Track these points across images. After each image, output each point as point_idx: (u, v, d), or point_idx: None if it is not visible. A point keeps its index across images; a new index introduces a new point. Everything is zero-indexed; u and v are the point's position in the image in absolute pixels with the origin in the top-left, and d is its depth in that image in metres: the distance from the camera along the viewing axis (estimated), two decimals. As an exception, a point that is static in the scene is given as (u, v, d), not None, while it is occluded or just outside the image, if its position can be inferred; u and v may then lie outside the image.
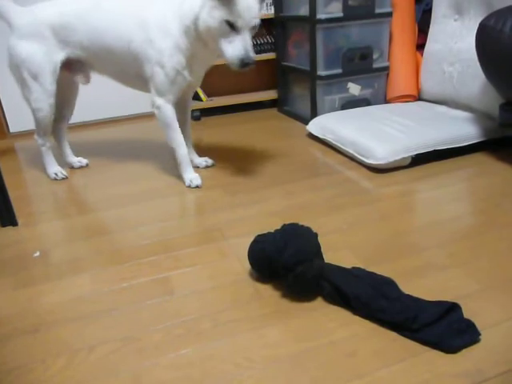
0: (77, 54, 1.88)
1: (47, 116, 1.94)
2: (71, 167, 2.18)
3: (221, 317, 1.10)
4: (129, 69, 1.83)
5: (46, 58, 1.85)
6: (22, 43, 1.84)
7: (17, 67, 1.86)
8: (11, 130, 2.84)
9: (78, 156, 2.22)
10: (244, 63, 1.54)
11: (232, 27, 1.53)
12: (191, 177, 1.86)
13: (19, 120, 2.77)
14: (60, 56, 1.87)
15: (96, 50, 1.84)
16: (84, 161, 2.20)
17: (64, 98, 2.07)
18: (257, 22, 1.57)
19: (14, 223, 1.64)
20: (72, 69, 1.96)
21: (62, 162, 2.17)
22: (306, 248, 1.15)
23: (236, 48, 1.54)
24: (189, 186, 1.85)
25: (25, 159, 2.42)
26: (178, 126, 1.84)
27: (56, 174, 2.05)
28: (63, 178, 2.05)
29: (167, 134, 1.85)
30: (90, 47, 1.84)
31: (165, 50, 1.69)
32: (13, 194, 1.64)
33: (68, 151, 2.19)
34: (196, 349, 1.01)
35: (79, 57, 1.89)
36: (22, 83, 1.89)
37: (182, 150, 1.86)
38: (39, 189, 1.99)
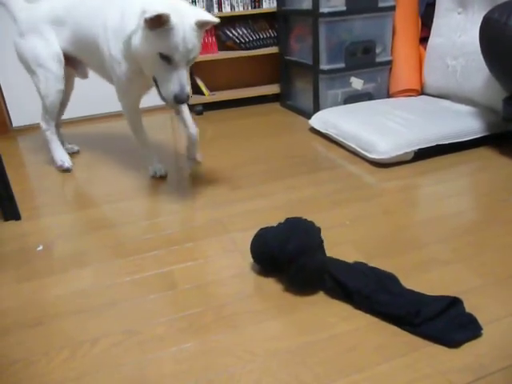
0: (67, 48, 1.90)
1: (55, 101, 1.97)
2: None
3: (223, 310, 1.11)
4: (102, 65, 1.78)
5: (47, 49, 1.89)
6: (24, 39, 1.91)
7: (24, 61, 1.94)
8: (14, 125, 2.84)
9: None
10: (178, 99, 1.43)
11: (167, 60, 1.40)
12: (156, 168, 1.91)
13: (22, 114, 2.77)
14: (59, 48, 1.91)
15: (77, 44, 1.85)
16: (75, 147, 2.30)
17: (67, 92, 2.10)
18: (195, 54, 1.44)
19: (17, 217, 1.64)
20: (69, 63, 1.98)
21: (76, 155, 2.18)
22: (310, 241, 1.15)
23: (170, 84, 1.42)
24: (153, 176, 1.91)
25: (27, 153, 2.42)
26: (140, 126, 1.85)
27: (62, 162, 2.06)
28: (68, 169, 2.06)
29: (131, 131, 1.87)
30: (73, 40, 1.85)
31: (115, 56, 1.63)
32: (16, 188, 1.64)
33: (61, 139, 2.21)
34: (198, 342, 1.01)
35: (70, 51, 1.91)
36: (32, 73, 1.95)
37: (144, 140, 1.89)
38: (42, 183, 2.00)
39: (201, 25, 1.42)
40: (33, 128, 2.71)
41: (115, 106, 2.65)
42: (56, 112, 2.03)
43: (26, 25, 1.90)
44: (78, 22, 1.79)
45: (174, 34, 1.36)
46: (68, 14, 1.83)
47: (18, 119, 2.83)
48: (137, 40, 1.45)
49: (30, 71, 1.94)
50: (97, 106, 2.94)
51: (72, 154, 2.23)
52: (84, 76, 2.07)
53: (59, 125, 2.20)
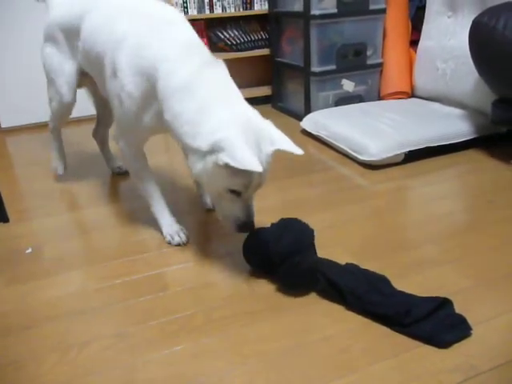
0: (81, 63, 1.59)
1: (57, 126, 1.85)
2: (112, 172, 2.03)
3: (214, 313, 1.10)
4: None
5: (60, 67, 1.66)
6: (44, 43, 1.70)
7: (43, 65, 1.73)
8: (3, 126, 2.81)
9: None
10: (243, 229, 1.18)
11: (235, 193, 1.13)
12: (171, 232, 1.43)
13: (11, 115, 2.74)
14: (74, 66, 1.64)
15: (86, 61, 1.53)
16: (123, 168, 1.98)
17: (103, 104, 1.87)
18: (267, 179, 1.18)
19: (5, 220, 1.63)
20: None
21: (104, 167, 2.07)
22: (303, 238, 1.16)
23: (236, 214, 1.16)
24: (169, 243, 1.42)
25: (17, 155, 2.40)
26: (147, 173, 1.44)
27: (56, 170, 1.94)
28: (59, 175, 1.95)
29: (135, 183, 1.47)
30: (84, 57, 1.52)
31: (130, 91, 1.25)
32: (4, 190, 1.62)
33: (109, 156, 2.03)
34: (189, 345, 1.01)
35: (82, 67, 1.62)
36: (47, 80, 1.75)
37: (157, 203, 1.45)
38: (31, 185, 1.98)
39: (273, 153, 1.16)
40: (22, 129, 2.69)
41: None
42: (59, 131, 1.88)
43: (46, 29, 1.66)
44: (88, 34, 1.44)
45: (250, 173, 1.06)
46: (80, 24, 1.47)
47: (7, 120, 2.80)
48: (198, 166, 1.12)
49: (47, 78, 1.73)
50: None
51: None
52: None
53: (105, 141, 2.00)
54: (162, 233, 1.45)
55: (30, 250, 1.43)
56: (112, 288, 1.22)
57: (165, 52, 1.21)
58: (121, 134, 1.39)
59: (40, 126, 2.55)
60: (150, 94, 1.23)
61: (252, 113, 1.17)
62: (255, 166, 1.02)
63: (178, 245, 1.41)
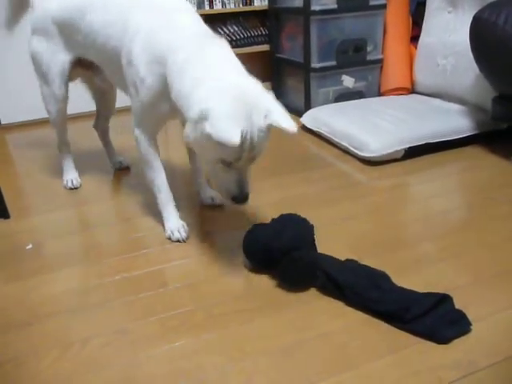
0: (83, 54, 1.63)
1: (56, 120, 1.79)
2: (114, 168, 2.03)
3: (214, 309, 1.11)
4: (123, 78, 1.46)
5: (53, 58, 1.66)
6: (33, 37, 1.70)
7: (32, 62, 1.73)
8: (2, 122, 2.81)
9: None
10: (236, 202, 1.18)
11: (227, 163, 1.13)
12: (172, 227, 1.44)
13: (11, 111, 2.74)
14: (68, 56, 1.66)
15: (95, 53, 1.55)
16: (125, 162, 2.02)
17: (102, 97, 1.92)
18: (260, 155, 1.18)
19: (6, 216, 1.62)
20: (90, 68, 1.72)
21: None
22: (303, 234, 1.17)
23: (229, 186, 1.17)
24: (168, 239, 1.43)
25: (17, 151, 2.39)
26: (158, 164, 1.45)
27: (67, 182, 1.86)
28: (72, 188, 1.85)
29: (145, 173, 1.47)
30: (91, 48, 1.54)
31: (144, 78, 1.30)
32: (5, 187, 1.62)
33: (110, 150, 2.04)
34: (189, 341, 1.01)
35: (86, 57, 1.63)
36: (37, 76, 1.75)
37: (163, 195, 1.46)
38: (32, 181, 1.98)
39: (270, 125, 1.13)
40: (22, 125, 2.69)
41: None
42: (62, 128, 1.83)
43: (36, 22, 1.67)
44: (96, 29, 1.47)
45: (244, 142, 1.07)
46: (81, 16, 1.50)
47: (6, 116, 2.79)
48: (191, 132, 1.12)
49: (36, 74, 1.73)
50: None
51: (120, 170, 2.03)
52: (104, 84, 1.77)
53: (106, 134, 2.02)
54: (163, 227, 1.46)
55: (30, 247, 1.43)
56: (112, 284, 1.22)
57: (173, 39, 1.26)
58: (137, 122, 1.42)
59: (40, 123, 2.55)
60: (163, 82, 1.26)
61: (251, 85, 1.16)
62: (231, 138, 1.01)
63: (178, 241, 1.42)
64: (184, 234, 1.42)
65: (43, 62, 1.69)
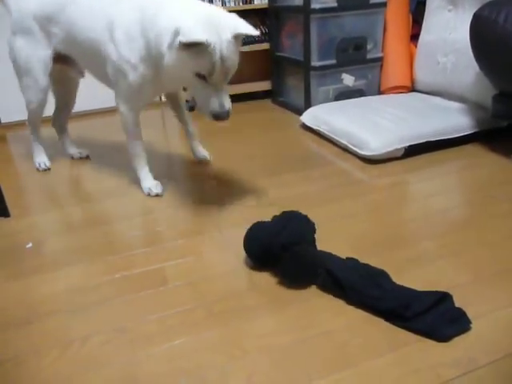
0: (59, 47, 1.80)
1: (37, 109, 1.93)
2: (71, 158, 2.16)
3: (214, 307, 1.11)
4: (100, 68, 1.65)
5: (35, 53, 1.81)
6: (15, 38, 1.82)
7: (12, 60, 1.87)
8: (3, 121, 2.81)
9: (78, 147, 2.19)
10: (219, 118, 1.37)
11: (204, 78, 1.31)
12: (149, 184, 1.71)
13: (11, 110, 2.74)
14: (49, 51, 1.81)
15: (72, 45, 1.73)
16: (84, 152, 2.16)
17: (64, 90, 2.06)
18: (234, 69, 1.35)
19: (6, 214, 1.63)
20: (65, 62, 1.90)
21: (62, 152, 2.17)
22: (305, 231, 1.17)
23: (209, 103, 1.35)
24: (148, 195, 1.70)
25: (17, 150, 2.39)
26: (138, 133, 1.70)
27: (39, 164, 2.04)
28: (45, 170, 2.03)
29: (127, 140, 1.71)
30: (67, 41, 1.73)
31: (128, 60, 1.49)
32: (5, 185, 1.62)
33: (68, 142, 2.17)
34: (190, 339, 1.01)
35: (62, 51, 1.81)
36: (18, 75, 1.89)
37: (140, 160, 1.72)
38: (32, 180, 1.98)
39: (239, 37, 1.32)
40: (22, 124, 2.67)
41: (109, 102, 2.53)
42: (39, 119, 1.98)
43: (17, 22, 1.80)
44: (73, 22, 1.66)
45: (211, 54, 1.25)
46: (61, 11, 1.69)
47: (6, 115, 2.80)
48: (171, 59, 1.31)
49: (17, 72, 1.88)
50: (89, 102, 2.92)
51: (80, 159, 2.15)
52: (80, 75, 1.97)
53: (63, 127, 2.15)
54: (141, 187, 1.73)
55: (30, 245, 1.43)
56: (112, 283, 1.22)
57: (145, 6, 1.45)
58: (124, 100, 1.62)
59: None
60: (145, 55, 1.46)
61: (216, 9, 1.37)
62: (200, 37, 1.21)
63: (156, 195, 1.69)
64: (160, 189, 1.70)
65: (28, 60, 1.82)
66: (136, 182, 1.86)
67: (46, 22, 1.75)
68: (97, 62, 1.64)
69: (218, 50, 1.26)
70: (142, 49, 1.46)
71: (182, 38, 1.23)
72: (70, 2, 1.67)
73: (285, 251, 1.13)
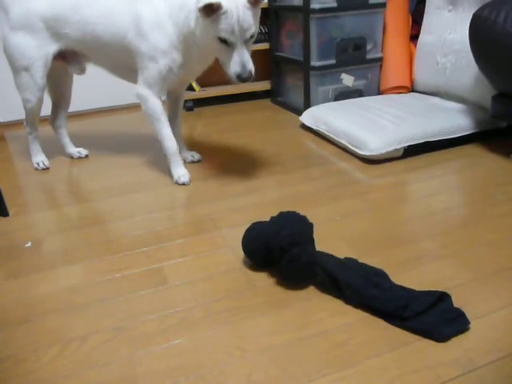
0: (70, 46, 1.84)
1: (35, 108, 1.94)
2: (71, 157, 2.17)
3: (214, 306, 1.11)
4: (121, 61, 1.79)
5: (37, 51, 1.83)
6: (14, 34, 1.83)
7: (9, 56, 1.87)
8: (1, 120, 2.81)
9: (77, 147, 2.20)
10: (241, 78, 1.49)
11: (225, 42, 1.47)
12: (180, 173, 1.81)
13: (9, 109, 2.74)
14: (52, 48, 1.84)
15: (89, 43, 1.80)
16: (83, 152, 2.18)
17: (60, 88, 2.08)
18: (252, 33, 1.48)
19: (5, 213, 1.63)
20: (67, 59, 1.93)
21: (61, 151, 2.17)
22: (303, 231, 1.17)
23: (232, 63, 1.48)
24: (176, 183, 1.80)
25: (16, 149, 2.39)
26: (166, 118, 1.78)
27: (38, 164, 2.05)
28: (43, 169, 2.04)
29: (154, 127, 1.79)
30: (83, 40, 1.79)
31: (158, 46, 1.63)
32: (4, 184, 1.63)
33: (67, 141, 2.18)
34: (189, 338, 1.01)
35: (73, 49, 1.86)
36: (14, 72, 1.89)
37: (171, 143, 1.79)
38: (31, 179, 1.98)
39: (253, 1, 1.45)
40: (21, 123, 2.67)
41: (106, 101, 2.61)
42: (37, 117, 2.00)
43: (18, 19, 1.82)
44: (88, 19, 1.74)
45: (228, 18, 1.41)
46: (74, 13, 1.76)
47: (5, 114, 2.79)
48: (199, 32, 1.51)
49: (14, 69, 1.88)
50: (88, 102, 2.92)
51: (79, 159, 2.16)
52: (81, 72, 1.98)
53: (61, 126, 2.15)
54: (171, 173, 1.82)
55: (29, 244, 1.43)
56: (112, 282, 1.22)
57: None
58: (148, 85, 1.72)
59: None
60: (178, 42, 1.62)
61: None
62: (215, 1, 1.37)
63: (183, 184, 1.78)
64: (188, 179, 1.80)
65: (27, 55, 1.83)
66: (134, 182, 1.86)
67: (54, 23, 1.80)
68: (117, 55, 1.77)
69: (235, 14, 1.41)
70: (171, 34, 1.61)
71: (199, 4, 1.39)
72: (84, 5, 1.75)
73: (283, 253, 1.13)
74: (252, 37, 1.50)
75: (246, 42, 1.48)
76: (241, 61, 1.48)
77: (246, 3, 1.44)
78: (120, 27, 1.70)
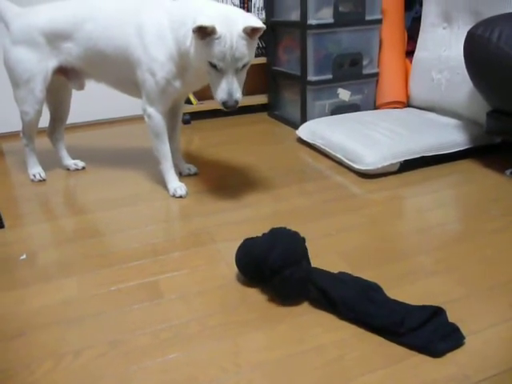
0: (71, 61, 1.84)
1: (33, 120, 1.94)
2: (67, 169, 2.16)
3: (208, 321, 1.10)
4: (124, 75, 1.78)
5: (37, 65, 1.83)
6: (15, 48, 1.84)
7: (10, 70, 1.88)
8: (-2, 131, 2.81)
9: (74, 158, 2.20)
10: (226, 106, 1.48)
11: (215, 67, 1.45)
12: (175, 186, 1.81)
13: (6, 121, 2.73)
14: (53, 63, 1.85)
15: (91, 57, 1.79)
16: (80, 164, 2.17)
17: (59, 101, 2.08)
18: (244, 62, 1.46)
19: (0, 225, 1.62)
20: (67, 74, 1.93)
21: (58, 163, 2.17)
22: (293, 249, 1.15)
23: (220, 90, 1.47)
24: (173, 195, 1.80)
25: (12, 161, 2.39)
26: (166, 137, 1.80)
27: (34, 176, 2.04)
28: (40, 181, 2.03)
29: (154, 144, 1.81)
30: (85, 54, 1.79)
31: (157, 59, 1.63)
32: None
33: (64, 154, 2.17)
34: (183, 353, 1.01)
35: (73, 64, 1.86)
36: (14, 85, 1.90)
37: (167, 163, 1.82)
38: (27, 190, 1.97)
39: (250, 32, 1.43)
40: (17, 135, 2.68)
41: (103, 113, 2.62)
42: (34, 130, 2.00)
43: (19, 33, 1.82)
44: (95, 36, 1.74)
45: (221, 44, 1.40)
46: (77, 28, 1.76)
47: (1, 126, 2.79)
48: (193, 51, 1.50)
49: (13, 82, 1.89)
50: (85, 114, 2.93)
51: (75, 171, 2.16)
52: (80, 88, 2.00)
53: (59, 139, 2.15)
54: (167, 188, 1.83)
55: (24, 257, 1.43)
56: (106, 295, 1.22)
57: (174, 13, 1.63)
58: (150, 101, 1.73)
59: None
60: (172, 52, 1.61)
61: (234, 8, 1.55)
62: (205, 21, 1.37)
63: (180, 197, 1.78)
64: (184, 192, 1.80)
65: (27, 69, 1.84)
66: (129, 195, 1.86)
67: (54, 38, 1.81)
68: (120, 69, 1.76)
69: (229, 41, 1.39)
70: (170, 47, 1.61)
71: (194, 25, 1.38)
72: (87, 20, 1.75)
73: (274, 274, 1.13)
74: (244, 66, 1.48)
75: (237, 71, 1.46)
76: (228, 89, 1.46)
77: (242, 33, 1.41)
78: (123, 39, 1.70)
